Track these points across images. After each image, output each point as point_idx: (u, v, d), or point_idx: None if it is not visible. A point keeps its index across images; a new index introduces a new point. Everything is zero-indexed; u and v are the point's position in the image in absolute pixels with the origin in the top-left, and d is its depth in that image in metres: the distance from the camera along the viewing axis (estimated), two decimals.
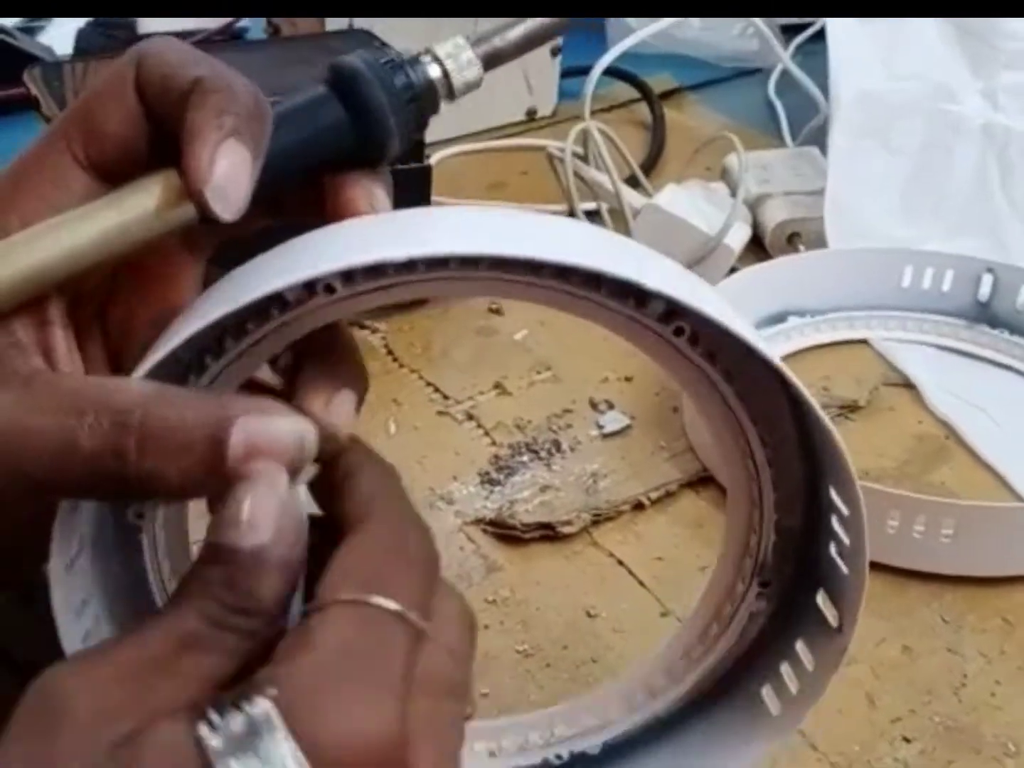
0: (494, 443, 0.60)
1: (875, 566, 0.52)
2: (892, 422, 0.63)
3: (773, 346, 0.65)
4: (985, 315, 0.67)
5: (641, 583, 0.52)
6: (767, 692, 0.37)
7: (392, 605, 0.25)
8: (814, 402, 0.30)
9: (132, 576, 0.33)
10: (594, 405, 0.63)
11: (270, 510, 0.25)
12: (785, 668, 0.37)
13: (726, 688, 0.39)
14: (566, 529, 0.54)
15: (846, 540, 0.33)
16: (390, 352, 0.66)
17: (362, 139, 0.31)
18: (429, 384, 0.64)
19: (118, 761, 0.23)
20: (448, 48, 0.33)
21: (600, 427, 0.61)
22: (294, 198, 0.32)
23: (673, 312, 0.30)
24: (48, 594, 0.29)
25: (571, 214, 0.75)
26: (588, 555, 0.54)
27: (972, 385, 0.65)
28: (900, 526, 0.51)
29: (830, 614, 0.35)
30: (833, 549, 0.34)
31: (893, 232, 0.74)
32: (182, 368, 0.29)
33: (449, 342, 0.67)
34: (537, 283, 0.29)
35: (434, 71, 0.32)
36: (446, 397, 0.63)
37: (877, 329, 0.69)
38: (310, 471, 0.27)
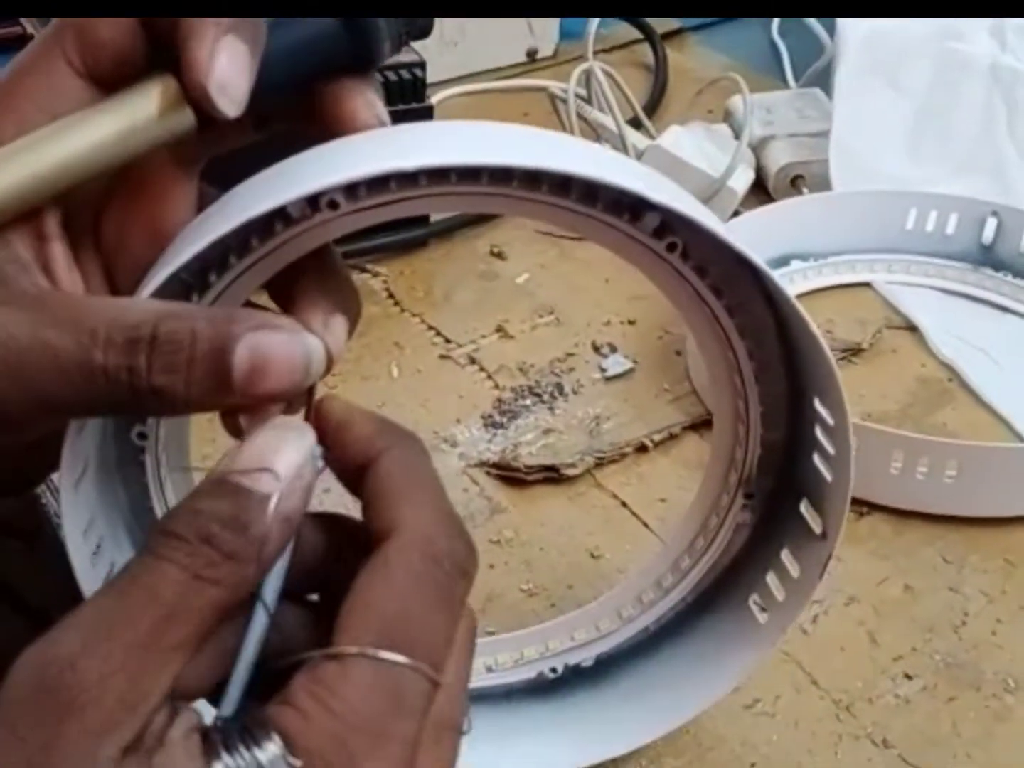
0: (497, 386, 0.60)
1: (878, 507, 0.53)
2: (895, 365, 0.63)
3: None
4: (989, 258, 0.67)
5: (644, 524, 0.52)
6: (754, 601, 0.39)
7: (407, 661, 0.25)
8: (800, 307, 0.31)
9: (135, 495, 0.34)
10: (597, 348, 0.63)
11: (292, 463, 0.25)
12: (771, 577, 0.38)
13: (714, 599, 0.40)
14: (570, 471, 0.55)
15: (830, 449, 0.34)
16: (391, 296, 0.66)
17: (355, 44, 0.30)
18: (431, 328, 0.64)
19: None
20: None
21: (603, 370, 0.61)
22: (286, 108, 0.31)
23: (666, 227, 0.30)
24: (49, 538, 0.30)
25: None
26: (592, 497, 0.54)
27: (975, 328, 0.65)
28: (903, 467, 0.52)
29: (814, 522, 0.36)
30: (817, 459, 0.35)
31: (898, 173, 0.73)
32: (185, 288, 0.29)
33: (451, 286, 0.67)
34: (536, 197, 0.29)
35: None
36: (448, 341, 0.63)
37: (880, 272, 0.68)
38: (318, 462, 0.27)
